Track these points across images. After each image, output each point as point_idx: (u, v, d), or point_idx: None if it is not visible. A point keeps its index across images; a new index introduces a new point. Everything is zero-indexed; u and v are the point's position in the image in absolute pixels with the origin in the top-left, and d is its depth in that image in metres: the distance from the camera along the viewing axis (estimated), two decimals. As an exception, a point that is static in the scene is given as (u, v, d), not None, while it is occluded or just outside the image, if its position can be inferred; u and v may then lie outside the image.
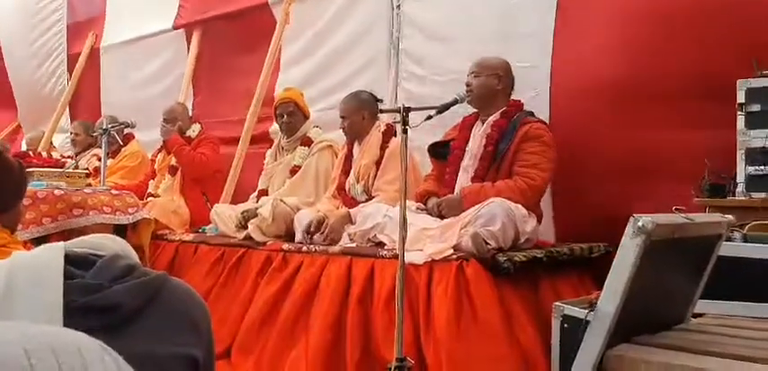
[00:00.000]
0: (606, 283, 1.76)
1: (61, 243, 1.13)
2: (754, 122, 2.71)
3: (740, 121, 2.74)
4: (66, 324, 0.99)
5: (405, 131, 2.62)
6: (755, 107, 2.70)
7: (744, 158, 2.69)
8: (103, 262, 1.12)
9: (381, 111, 3.33)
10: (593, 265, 3.37)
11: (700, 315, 2.16)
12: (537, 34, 3.72)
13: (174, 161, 4.82)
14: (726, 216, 2.02)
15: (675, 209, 1.85)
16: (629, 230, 1.65)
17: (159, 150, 5.11)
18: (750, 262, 2.27)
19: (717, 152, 2.87)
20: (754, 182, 2.64)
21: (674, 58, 3.21)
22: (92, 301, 1.05)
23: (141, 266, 1.18)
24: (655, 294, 1.85)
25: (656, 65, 3.27)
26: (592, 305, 2.62)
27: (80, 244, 1.16)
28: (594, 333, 1.80)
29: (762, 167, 2.63)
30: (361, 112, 3.82)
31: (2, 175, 1.98)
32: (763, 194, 2.63)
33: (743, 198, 2.63)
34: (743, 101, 2.73)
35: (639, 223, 1.61)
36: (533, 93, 3.63)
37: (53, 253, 1.08)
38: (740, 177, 2.68)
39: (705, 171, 2.72)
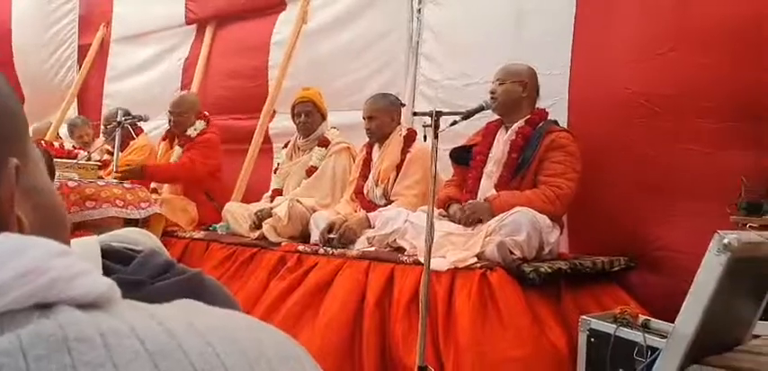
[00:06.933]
0: (685, 304, 1.69)
1: (95, 237, 1.09)
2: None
3: (774, 139, 2.71)
4: None
5: (436, 136, 2.58)
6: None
7: (776, 177, 2.66)
8: (142, 258, 1.07)
9: (415, 114, 3.28)
10: (612, 278, 3.34)
11: (756, 337, 2.12)
12: (556, 42, 3.68)
13: (173, 157, 4.74)
14: (792, 236, 1.97)
15: (750, 226, 1.81)
16: (713, 246, 1.59)
17: (160, 142, 5.06)
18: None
19: (745, 171, 2.83)
20: (786, 202, 2.61)
21: (699, 72, 3.17)
22: (134, 298, 1.01)
23: (177, 262, 1.14)
24: (724, 313, 1.81)
25: (680, 79, 3.24)
26: (616, 320, 2.62)
27: (114, 238, 1.12)
28: (671, 355, 1.73)
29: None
30: (390, 113, 3.79)
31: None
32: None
33: (774, 217, 2.59)
34: (777, 119, 2.69)
35: (725, 240, 1.56)
36: (551, 101, 3.60)
37: (90, 247, 1.04)
38: (772, 196, 2.64)
39: (741, 189, 2.68)
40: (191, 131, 4.70)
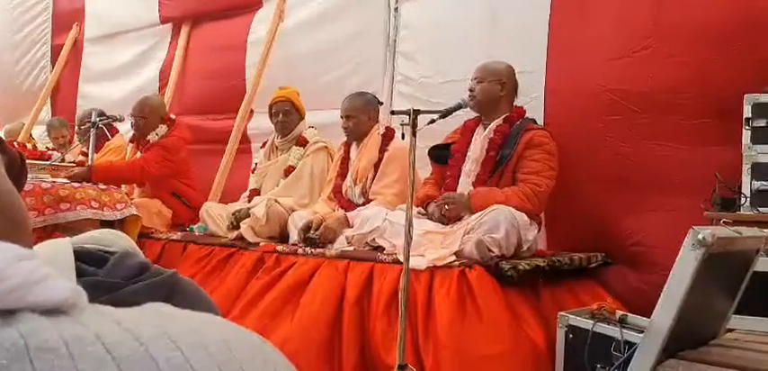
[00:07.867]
0: (661, 299, 1.70)
1: (67, 239, 1.07)
2: (759, 137, 2.72)
3: (746, 135, 2.74)
4: None
5: (414, 134, 2.58)
6: (762, 122, 2.71)
7: (750, 172, 2.69)
8: (116, 259, 1.05)
9: (393, 112, 3.29)
10: (589, 274, 3.37)
11: (730, 331, 2.15)
12: (532, 39, 3.70)
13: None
14: (765, 231, 2.00)
15: (724, 222, 1.83)
16: (688, 242, 1.61)
17: (128, 144, 4.98)
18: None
19: (720, 167, 2.87)
20: (760, 197, 2.65)
21: (674, 69, 3.21)
22: (109, 300, 0.99)
23: (151, 263, 1.12)
24: (699, 308, 1.83)
25: (656, 76, 3.27)
26: (594, 316, 2.64)
27: (87, 239, 1.10)
28: (647, 350, 1.75)
29: (768, 182, 2.64)
30: (366, 111, 3.79)
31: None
32: (769, 209, 2.63)
33: (749, 212, 2.63)
34: (749, 116, 2.73)
35: (700, 236, 1.57)
36: (527, 98, 3.61)
37: (62, 249, 1.02)
38: (746, 192, 2.68)
39: (715, 185, 2.72)
40: (151, 137, 4.53)
